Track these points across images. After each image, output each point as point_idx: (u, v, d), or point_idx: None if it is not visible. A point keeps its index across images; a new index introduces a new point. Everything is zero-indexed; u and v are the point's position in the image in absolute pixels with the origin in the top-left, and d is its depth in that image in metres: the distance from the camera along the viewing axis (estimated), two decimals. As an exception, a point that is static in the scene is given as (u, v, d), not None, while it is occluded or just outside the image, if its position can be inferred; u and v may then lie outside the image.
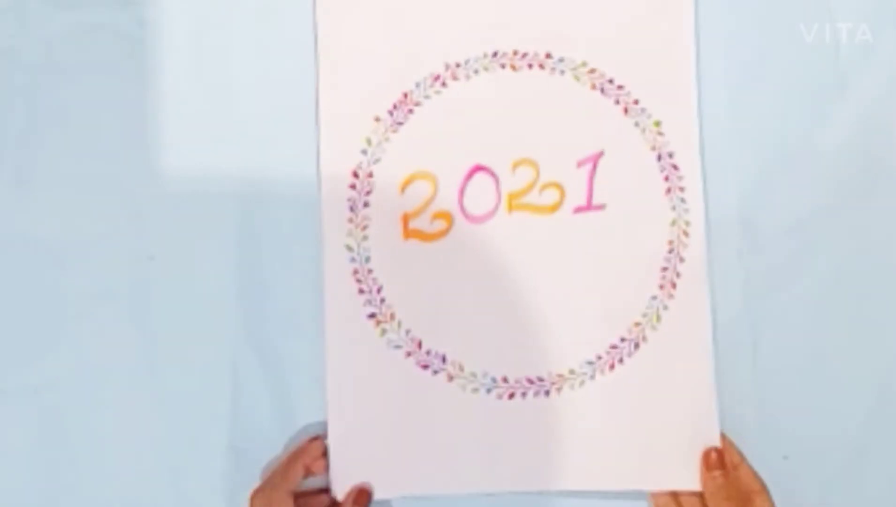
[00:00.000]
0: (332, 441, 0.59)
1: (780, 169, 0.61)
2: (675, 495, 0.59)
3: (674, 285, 0.60)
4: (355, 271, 0.60)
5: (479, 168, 0.61)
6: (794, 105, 0.62)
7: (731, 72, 0.61)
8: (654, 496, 0.59)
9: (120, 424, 0.60)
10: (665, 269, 0.60)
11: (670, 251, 0.60)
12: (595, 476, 0.59)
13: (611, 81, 0.61)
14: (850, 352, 0.61)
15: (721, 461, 0.58)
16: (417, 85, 0.61)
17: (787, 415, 0.60)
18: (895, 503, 0.60)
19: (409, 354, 0.60)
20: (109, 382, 0.60)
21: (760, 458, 0.59)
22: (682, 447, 0.59)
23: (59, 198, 0.61)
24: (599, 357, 0.60)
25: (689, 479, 0.59)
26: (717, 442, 0.59)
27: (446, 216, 0.61)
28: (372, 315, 0.60)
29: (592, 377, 0.60)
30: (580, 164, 0.61)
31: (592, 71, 0.61)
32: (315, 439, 0.59)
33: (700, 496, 0.59)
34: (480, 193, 0.61)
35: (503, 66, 0.61)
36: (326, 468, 0.59)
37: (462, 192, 0.61)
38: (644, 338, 0.60)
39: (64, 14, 0.61)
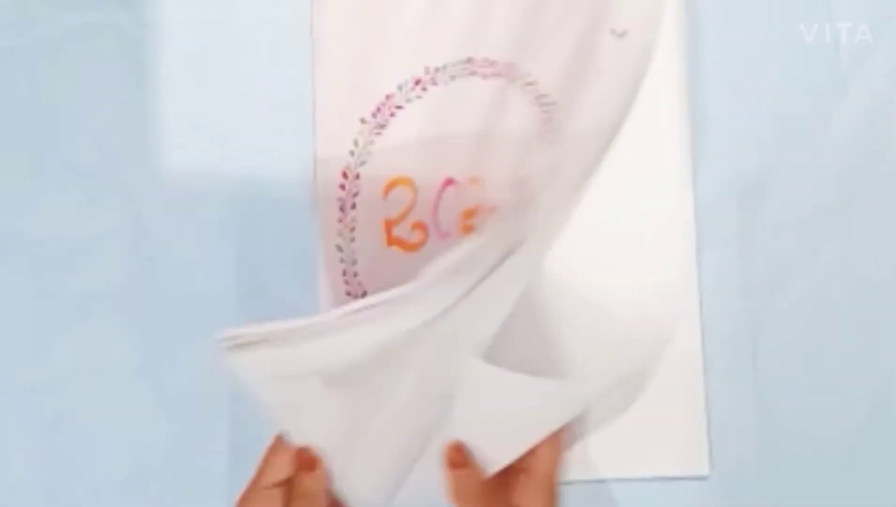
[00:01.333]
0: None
1: (779, 169, 0.61)
2: None
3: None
4: (344, 273, 0.60)
5: (449, 182, 0.59)
6: (794, 105, 0.61)
7: (730, 72, 0.61)
8: None
9: (120, 424, 0.60)
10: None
11: None
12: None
13: None
14: (851, 352, 0.61)
15: (464, 457, 0.51)
16: (399, 88, 0.60)
17: (787, 415, 0.60)
18: (894, 503, 0.60)
19: None
20: (109, 382, 0.60)
21: (760, 457, 0.59)
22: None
23: (59, 198, 0.61)
24: None
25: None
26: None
27: (423, 228, 0.59)
28: None
29: None
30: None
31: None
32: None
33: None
34: (450, 209, 0.59)
35: (473, 74, 0.59)
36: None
37: (436, 205, 0.59)
38: None
39: (64, 14, 0.61)
